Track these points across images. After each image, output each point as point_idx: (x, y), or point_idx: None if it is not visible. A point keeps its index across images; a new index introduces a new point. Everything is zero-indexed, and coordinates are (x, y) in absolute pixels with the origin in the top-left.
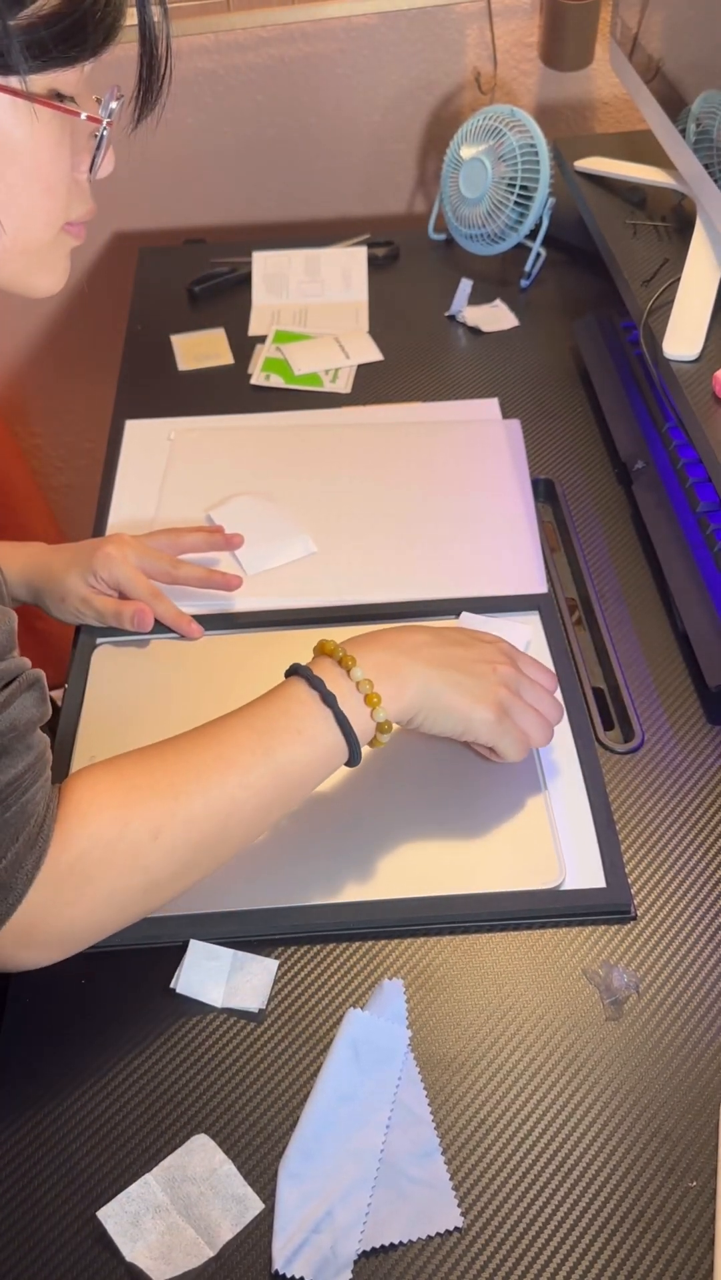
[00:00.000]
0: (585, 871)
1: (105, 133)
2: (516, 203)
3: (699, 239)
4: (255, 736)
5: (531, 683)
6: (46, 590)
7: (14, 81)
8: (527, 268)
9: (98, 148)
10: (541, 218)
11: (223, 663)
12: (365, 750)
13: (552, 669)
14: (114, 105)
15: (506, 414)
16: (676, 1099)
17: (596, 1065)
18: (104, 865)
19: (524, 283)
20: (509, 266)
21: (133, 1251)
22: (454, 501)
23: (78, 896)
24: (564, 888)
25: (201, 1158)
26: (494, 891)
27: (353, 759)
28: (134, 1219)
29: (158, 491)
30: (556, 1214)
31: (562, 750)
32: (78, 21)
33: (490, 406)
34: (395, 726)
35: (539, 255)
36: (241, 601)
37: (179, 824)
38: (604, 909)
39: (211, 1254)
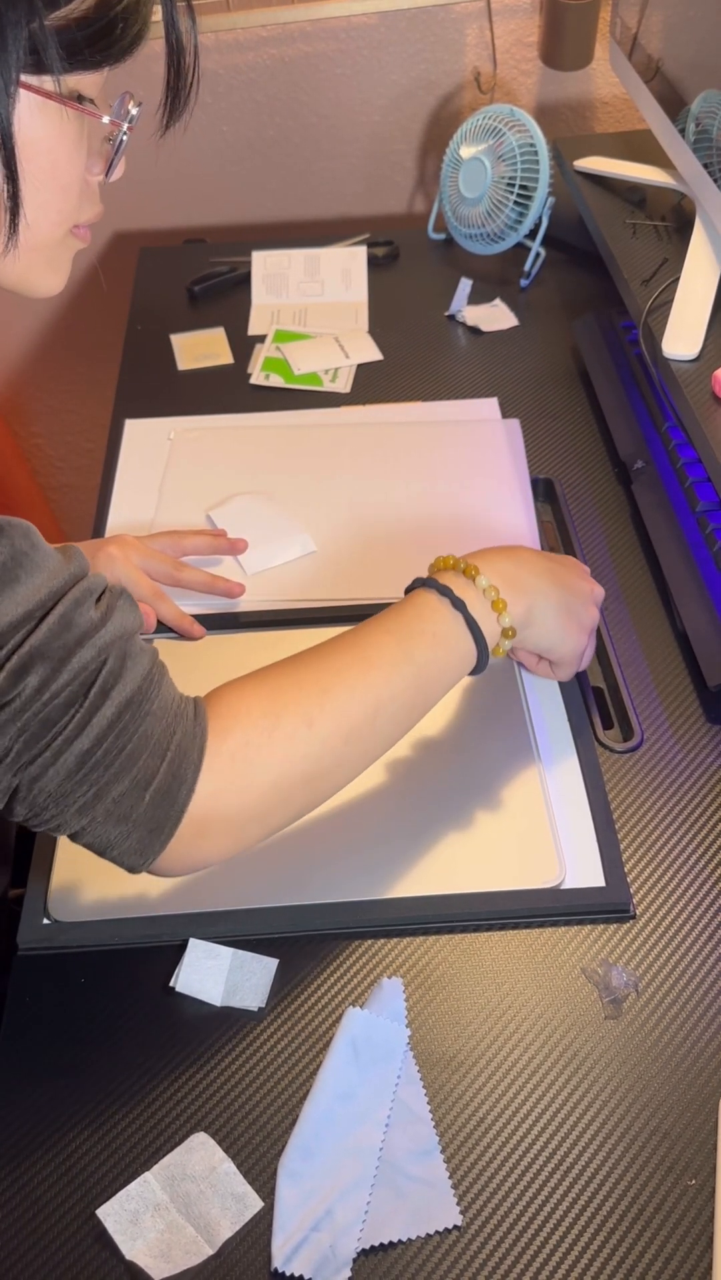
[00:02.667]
0: (584, 870)
1: (125, 137)
2: (516, 202)
3: (698, 238)
4: (393, 640)
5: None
6: None
7: (46, 82)
8: (527, 267)
9: (116, 151)
10: (541, 217)
11: (223, 663)
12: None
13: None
14: (134, 111)
15: (506, 414)
16: (675, 1097)
17: (595, 1064)
18: (265, 751)
19: (523, 282)
20: (508, 266)
21: (132, 1250)
22: (453, 501)
23: (246, 784)
24: (563, 887)
25: (201, 1156)
26: (493, 890)
27: (480, 663)
28: (133, 1217)
29: (157, 491)
30: (555, 1212)
31: (562, 749)
32: (109, 25)
33: (490, 406)
34: (515, 634)
35: (538, 255)
36: (241, 601)
37: (330, 714)
38: (603, 908)
39: (211, 1252)
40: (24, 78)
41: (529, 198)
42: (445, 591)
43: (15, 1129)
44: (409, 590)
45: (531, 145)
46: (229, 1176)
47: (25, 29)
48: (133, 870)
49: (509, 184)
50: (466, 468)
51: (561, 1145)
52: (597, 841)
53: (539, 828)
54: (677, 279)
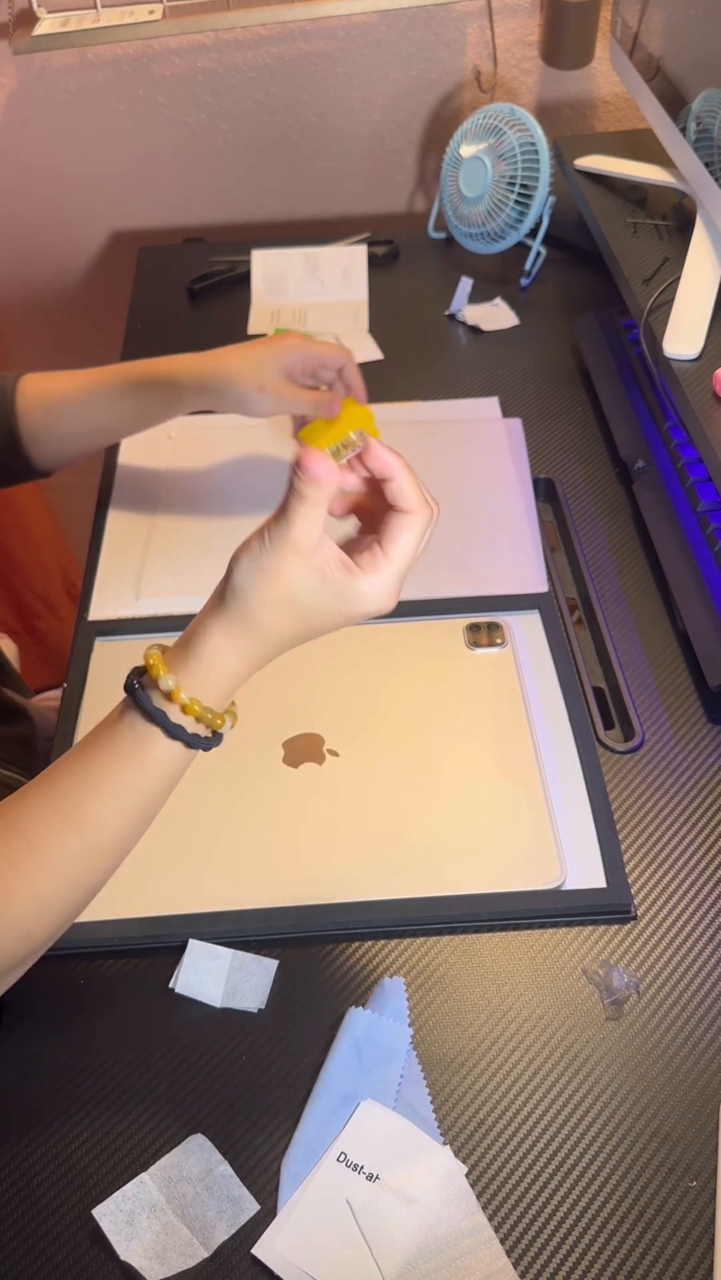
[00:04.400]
0: (585, 871)
1: None
2: (516, 201)
3: (699, 238)
4: (90, 779)
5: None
6: (238, 383)
7: None
8: (528, 266)
9: None
10: (541, 216)
11: None
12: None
13: (553, 667)
14: None
15: (506, 413)
16: (676, 1099)
17: (596, 1065)
18: None
19: (524, 281)
20: (509, 265)
21: (127, 1250)
22: (454, 500)
23: None
24: (564, 888)
25: (198, 1158)
26: (494, 891)
27: (207, 747)
28: (129, 1218)
29: (157, 491)
30: (556, 1213)
31: (563, 750)
32: None
33: (490, 405)
34: (234, 709)
35: (539, 254)
36: None
37: (39, 911)
38: (604, 909)
39: (206, 1255)
40: None
41: (529, 197)
42: (143, 700)
43: (14, 1128)
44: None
45: (532, 144)
46: (225, 1179)
47: None
48: None
49: (509, 183)
50: (467, 467)
51: (562, 1146)
52: (598, 842)
53: (539, 828)
54: (678, 278)
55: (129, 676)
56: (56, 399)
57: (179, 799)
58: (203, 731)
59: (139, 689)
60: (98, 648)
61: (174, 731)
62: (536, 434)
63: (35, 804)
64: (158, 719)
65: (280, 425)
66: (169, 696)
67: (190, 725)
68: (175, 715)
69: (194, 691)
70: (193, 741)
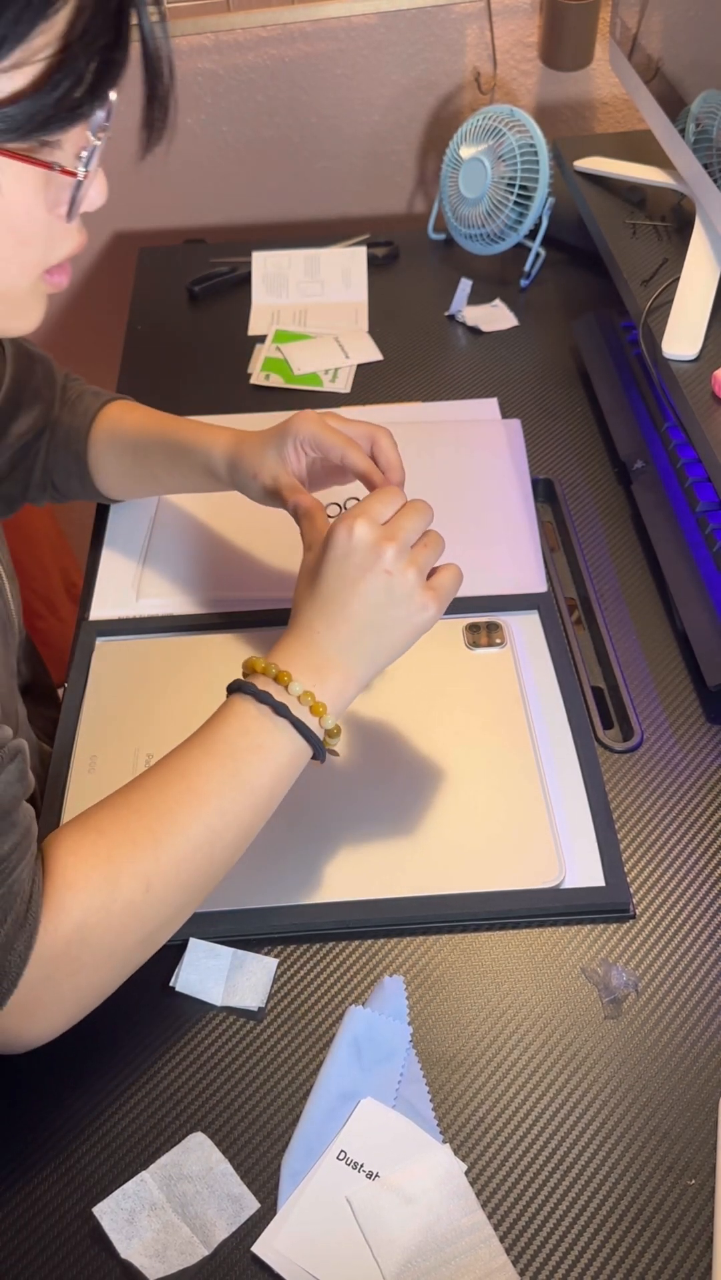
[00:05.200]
0: (584, 870)
1: (84, 177)
2: (516, 202)
3: (698, 239)
4: (218, 763)
5: (421, 546)
6: (242, 467)
7: None
8: (527, 267)
9: (75, 194)
10: (541, 217)
11: (222, 662)
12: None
13: (553, 668)
14: (97, 144)
15: (506, 414)
16: (675, 1097)
17: (595, 1064)
18: (101, 929)
19: (523, 282)
20: (508, 266)
21: (128, 1249)
22: (453, 501)
23: (78, 966)
24: (563, 886)
25: (198, 1156)
26: (493, 890)
27: (317, 757)
28: (129, 1216)
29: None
30: (555, 1211)
31: (562, 749)
32: (58, 101)
33: (490, 406)
34: (341, 731)
35: (538, 255)
36: (242, 600)
37: (166, 870)
38: (603, 908)
39: (206, 1253)
40: None
41: (529, 198)
42: (264, 698)
43: (14, 1126)
44: (229, 692)
45: (531, 145)
46: (226, 1177)
47: None
48: None
49: (509, 184)
50: (466, 468)
51: (561, 1145)
52: (597, 841)
53: (539, 828)
54: (677, 279)
55: (249, 682)
56: (123, 435)
57: None
58: (321, 733)
59: (265, 691)
60: (98, 648)
61: (305, 731)
62: (536, 434)
63: (159, 783)
64: (287, 715)
65: None
66: (299, 699)
67: (316, 726)
68: (303, 715)
69: (310, 686)
70: (316, 744)
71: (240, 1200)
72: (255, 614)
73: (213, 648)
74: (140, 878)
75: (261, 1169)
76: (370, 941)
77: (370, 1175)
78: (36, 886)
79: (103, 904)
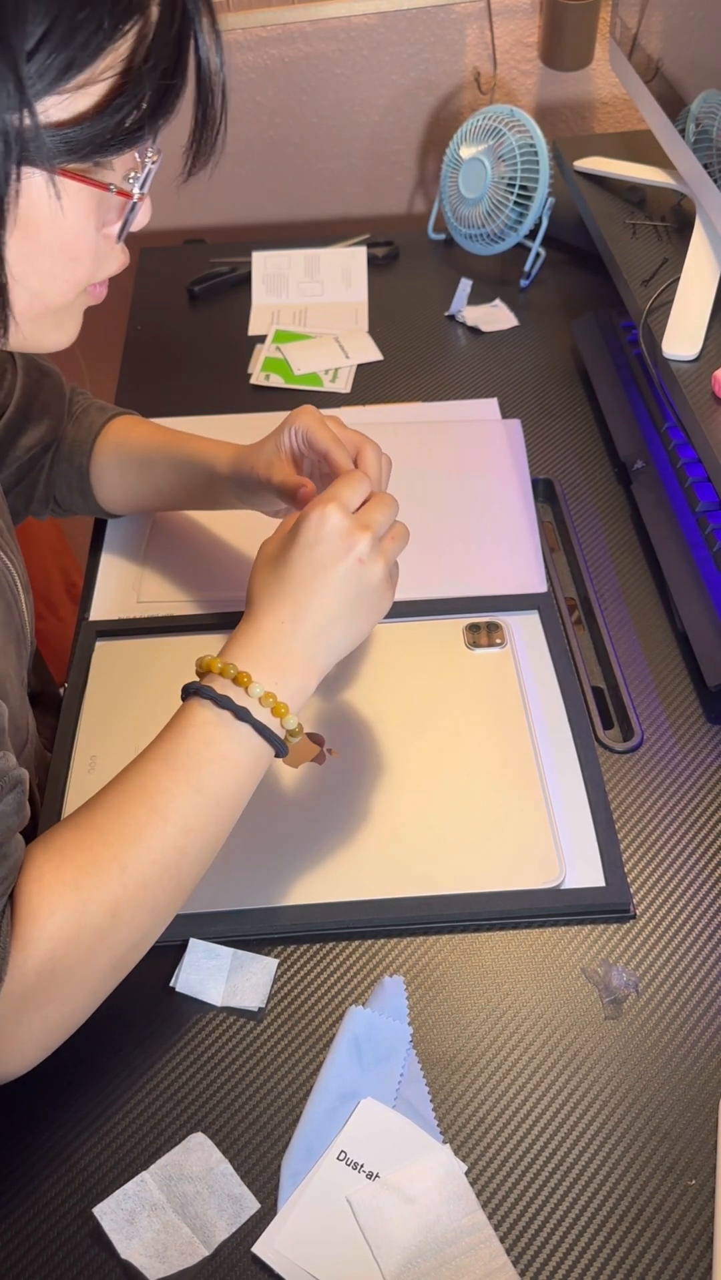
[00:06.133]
0: (584, 870)
1: (139, 198)
2: (516, 203)
3: (698, 239)
4: (181, 777)
5: (390, 539)
6: (243, 468)
7: (39, 169)
8: (527, 267)
9: (129, 214)
10: (541, 217)
11: None
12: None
13: (552, 667)
14: (152, 166)
15: (506, 414)
16: (675, 1097)
17: (595, 1064)
18: (69, 960)
19: (523, 282)
20: (508, 266)
21: (128, 1249)
22: (453, 501)
23: (48, 999)
24: (563, 887)
25: (199, 1156)
26: (493, 890)
27: (279, 753)
28: (130, 1216)
29: None
30: (555, 1212)
31: (562, 749)
32: (118, 124)
33: (490, 406)
34: (302, 729)
35: (538, 255)
36: (242, 600)
37: (133, 894)
38: (603, 908)
39: (207, 1253)
40: (23, 168)
41: (529, 198)
42: (223, 702)
43: (14, 1127)
44: (184, 695)
45: (531, 145)
46: (226, 1177)
47: (16, 127)
48: None
49: (509, 184)
50: (466, 468)
51: (561, 1145)
52: (597, 841)
53: (539, 828)
54: (677, 279)
55: (206, 685)
56: (128, 449)
57: None
58: (283, 733)
59: (225, 695)
60: (98, 648)
61: (267, 734)
62: (535, 434)
63: (123, 802)
64: (249, 719)
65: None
66: (260, 700)
67: (278, 727)
68: (265, 717)
69: (272, 687)
70: (278, 744)
71: (240, 1200)
72: None
73: (213, 648)
74: (107, 905)
75: (261, 1169)
76: (370, 941)
77: (370, 1175)
78: (5, 920)
79: (71, 935)
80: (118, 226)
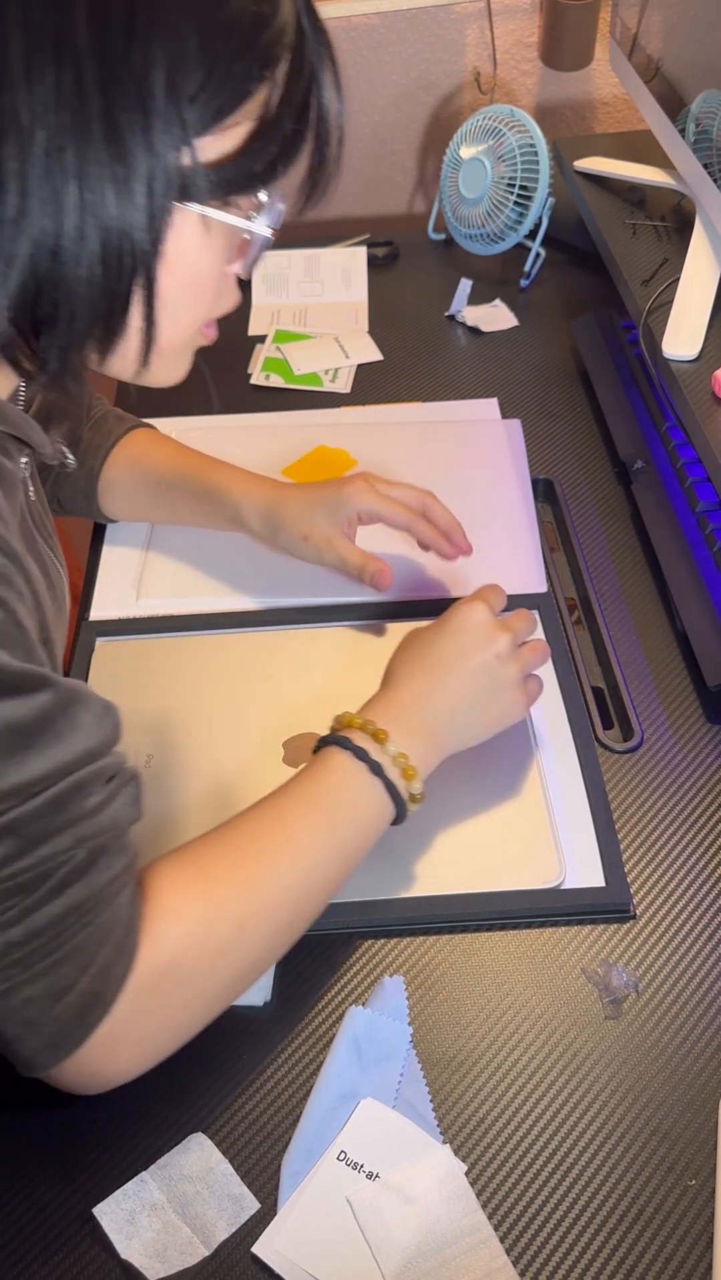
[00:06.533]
0: (584, 870)
1: (267, 240)
2: (516, 202)
3: (698, 239)
4: (317, 814)
5: (529, 649)
6: (287, 526)
7: (194, 205)
8: (527, 267)
9: (258, 252)
10: (541, 217)
11: (223, 662)
12: None
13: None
14: (280, 207)
15: (506, 414)
16: (675, 1097)
17: (595, 1064)
18: (193, 965)
19: (523, 282)
20: (508, 266)
21: (128, 1249)
22: (454, 501)
23: (167, 1001)
24: (563, 887)
25: (198, 1156)
26: (493, 891)
27: (398, 819)
28: (130, 1216)
29: None
30: (556, 1211)
31: (562, 749)
32: (254, 165)
33: (490, 406)
34: (425, 797)
35: (538, 255)
36: (242, 600)
37: (259, 914)
38: (603, 908)
39: (207, 1253)
40: (176, 205)
41: (529, 198)
42: (361, 754)
43: (14, 1127)
44: (319, 745)
45: (531, 145)
46: (226, 1177)
47: (176, 164)
48: (24, 1074)
49: (509, 184)
50: (466, 468)
51: (561, 1145)
52: (597, 841)
53: (539, 828)
54: (677, 279)
55: (346, 736)
56: (149, 468)
57: (178, 799)
58: (406, 796)
59: (362, 748)
60: (98, 648)
61: (394, 793)
62: (536, 434)
63: (259, 827)
64: (381, 775)
65: (282, 430)
66: (394, 759)
67: (404, 789)
68: (395, 776)
69: (412, 758)
70: (400, 807)
71: (240, 1200)
72: (255, 614)
73: (212, 648)
74: (235, 919)
75: (261, 1169)
76: (370, 941)
77: (370, 1175)
78: (135, 914)
79: (199, 939)
80: (241, 263)
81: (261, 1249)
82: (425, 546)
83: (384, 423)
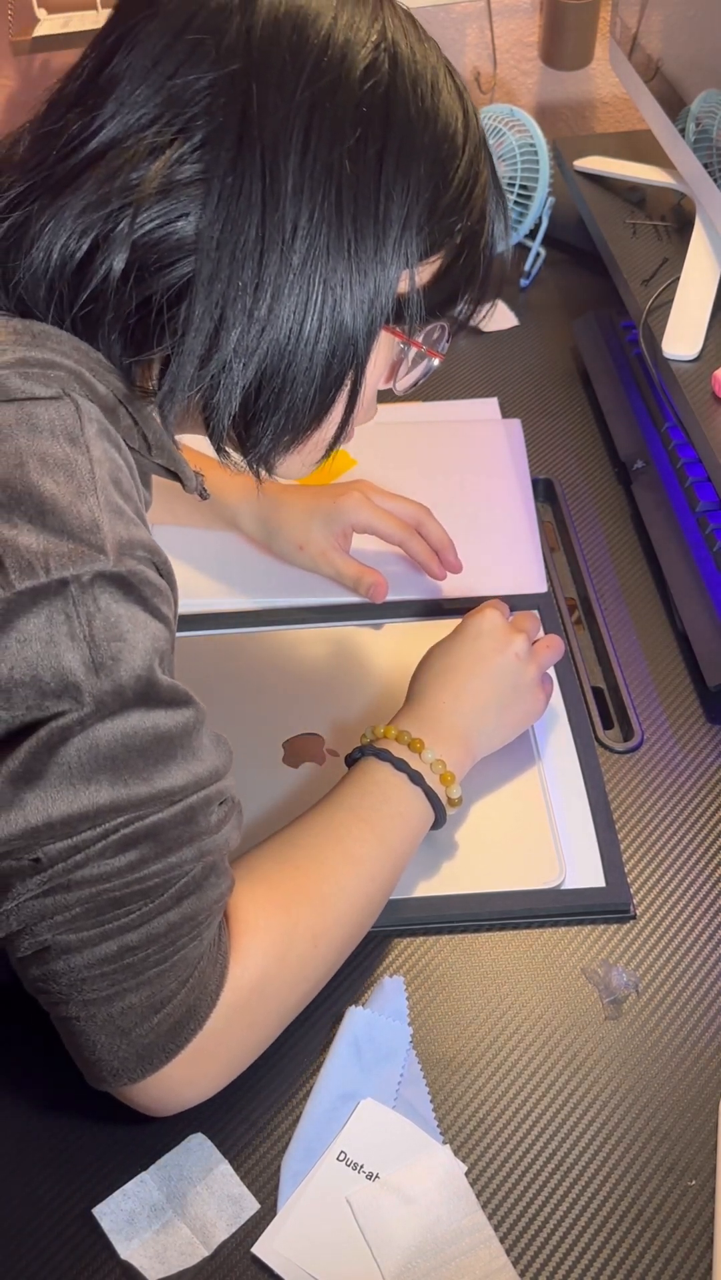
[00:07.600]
0: (584, 871)
1: (432, 365)
2: (516, 202)
3: (698, 238)
4: (369, 829)
5: (543, 645)
6: (283, 533)
7: (398, 324)
8: (527, 267)
9: (421, 370)
10: (541, 217)
11: (224, 661)
12: None
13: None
14: (450, 333)
15: (506, 413)
16: (675, 1098)
17: (595, 1064)
18: (277, 981)
19: (524, 282)
20: (508, 266)
21: (128, 1250)
22: (454, 501)
23: (252, 1017)
24: (563, 887)
25: (198, 1157)
26: (493, 891)
27: (438, 824)
28: (129, 1217)
29: (157, 490)
30: (556, 1212)
31: (562, 750)
32: (452, 292)
33: (490, 406)
34: (462, 801)
35: (538, 254)
36: (242, 600)
37: (330, 927)
38: (603, 908)
39: (206, 1253)
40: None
41: (529, 198)
42: (401, 765)
43: (14, 1127)
44: (353, 758)
45: (531, 145)
46: (225, 1178)
47: (395, 286)
48: (98, 1086)
49: (509, 184)
50: (466, 468)
51: (561, 1145)
52: (597, 841)
53: (539, 828)
54: (677, 279)
55: (384, 748)
56: None
57: None
58: (445, 801)
59: (401, 759)
60: None
61: (434, 799)
62: (536, 434)
63: (318, 844)
64: (421, 783)
65: None
66: (431, 766)
67: (443, 795)
68: (434, 783)
69: (449, 764)
70: (440, 812)
71: (240, 1201)
72: (255, 614)
73: (210, 647)
74: (310, 932)
75: (261, 1169)
76: (370, 942)
77: (370, 1176)
78: (224, 934)
79: (281, 954)
80: (405, 379)
81: (261, 1249)
82: (420, 565)
83: (384, 422)
